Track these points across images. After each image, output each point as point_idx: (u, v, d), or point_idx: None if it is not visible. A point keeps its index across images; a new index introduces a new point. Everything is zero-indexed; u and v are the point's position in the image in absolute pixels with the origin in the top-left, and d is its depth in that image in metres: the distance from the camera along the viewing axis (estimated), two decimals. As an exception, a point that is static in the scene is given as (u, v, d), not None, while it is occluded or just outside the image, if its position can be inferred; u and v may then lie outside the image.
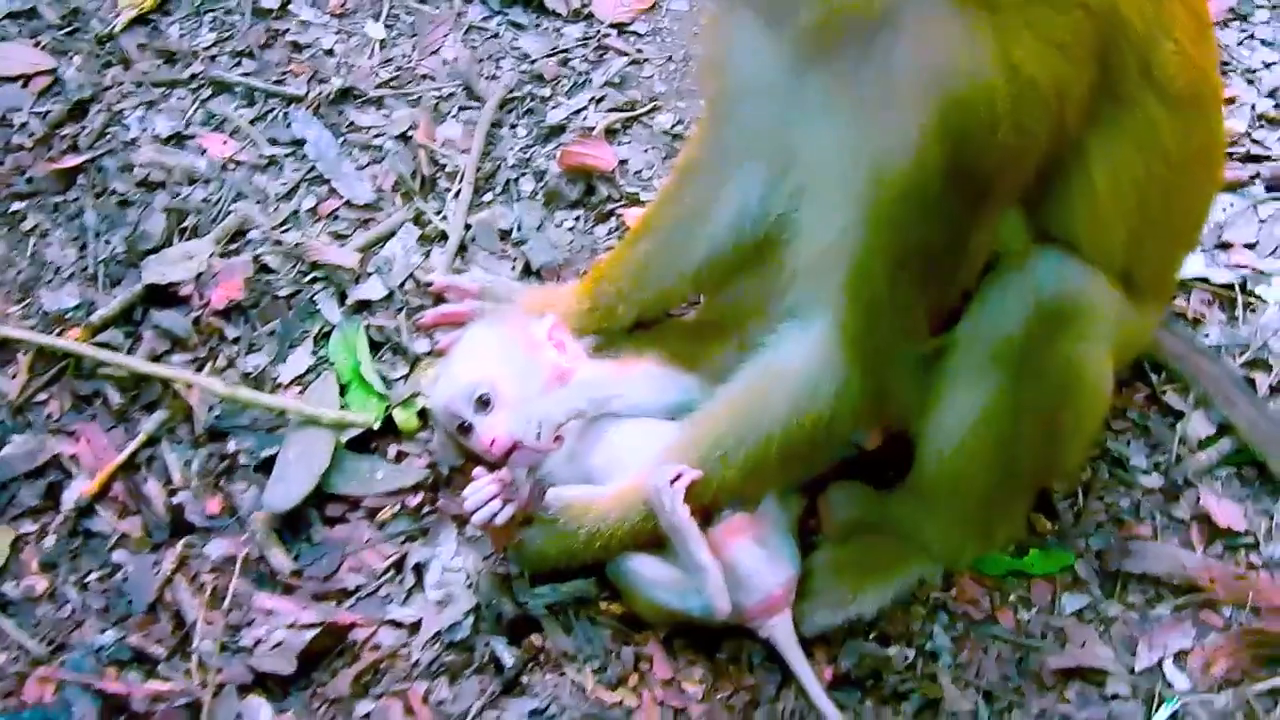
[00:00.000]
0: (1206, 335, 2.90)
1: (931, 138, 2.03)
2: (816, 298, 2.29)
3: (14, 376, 2.81)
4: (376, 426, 2.70)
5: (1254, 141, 3.26)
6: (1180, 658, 2.47)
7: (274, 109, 3.30)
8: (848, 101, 2.11)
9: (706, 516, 2.39)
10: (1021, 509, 2.55)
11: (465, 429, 2.55)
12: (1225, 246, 3.06)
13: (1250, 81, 3.41)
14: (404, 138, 3.24)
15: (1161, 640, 2.49)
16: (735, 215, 2.58)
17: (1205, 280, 2.99)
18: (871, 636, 2.47)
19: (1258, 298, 2.97)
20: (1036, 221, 2.27)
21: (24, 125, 3.24)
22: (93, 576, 2.56)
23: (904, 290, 2.21)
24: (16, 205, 3.11)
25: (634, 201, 3.11)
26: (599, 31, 3.51)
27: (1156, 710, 2.40)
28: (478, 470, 2.45)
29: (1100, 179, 2.22)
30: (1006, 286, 2.26)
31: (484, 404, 2.53)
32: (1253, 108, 3.33)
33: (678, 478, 2.35)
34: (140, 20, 3.48)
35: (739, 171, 2.54)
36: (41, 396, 2.80)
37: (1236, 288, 2.98)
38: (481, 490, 2.40)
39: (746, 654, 2.44)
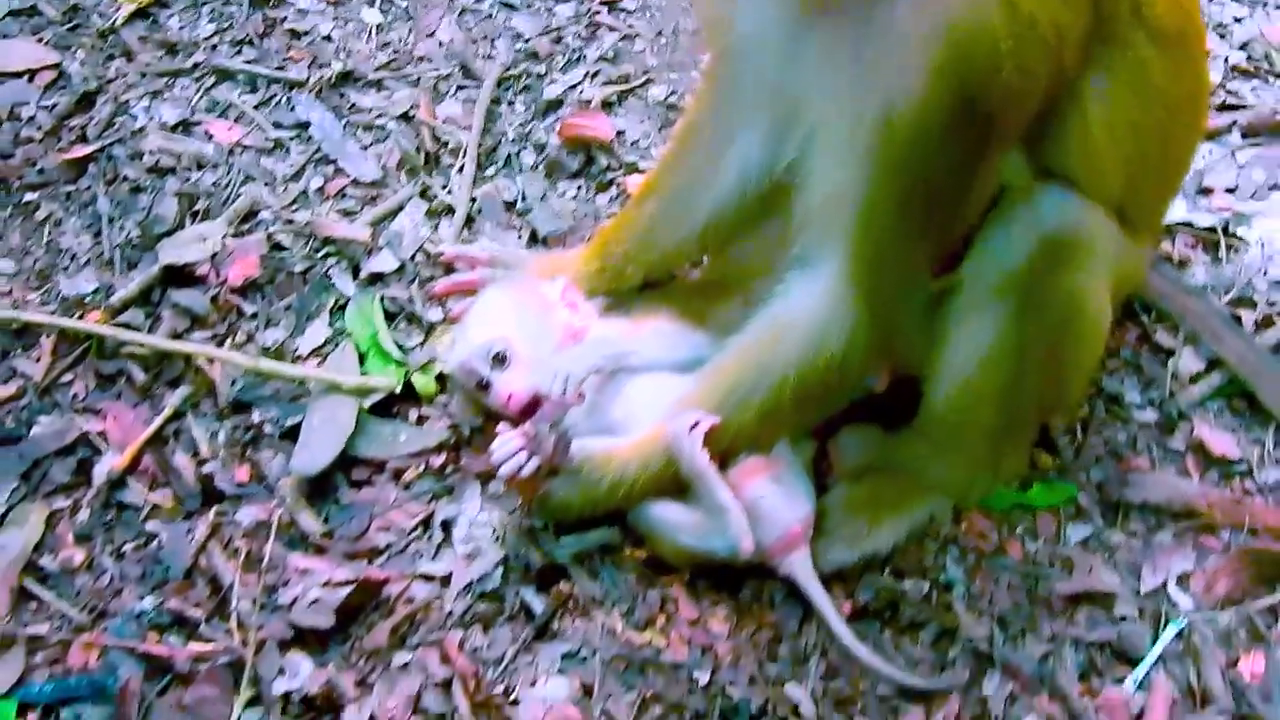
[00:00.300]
0: (1193, 276, 2.99)
1: (937, 82, 2.08)
2: (824, 244, 2.34)
3: (38, 360, 2.85)
4: (398, 391, 2.76)
5: (1229, 92, 3.36)
6: (1183, 580, 2.55)
7: (277, 94, 3.36)
8: (853, 52, 2.16)
9: (723, 461, 2.45)
10: (1025, 443, 2.62)
11: (484, 386, 2.62)
12: (1206, 192, 3.15)
13: (1222, 36, 3.51)
14: (406, 117, 3.30)
15: (1164, 564, 2.56)
16: (739, 172, 2.62)
17: (1189, 224, 3.07)
18: (887, 571, 2.54)
19: (1239, 239, 3.06)
20: (1036, 159, 2.32)
21: (32, 118, 3.29)
22: (128, 546, 2.60)
23: (911, 231, 2.28)
24: (30, 196, 3.15)
25: (633, 170, 3.18)
26: (590, 9, 3.59)
27: (1163, 629, 2.47)
28: (502, 426, 2.50)
29: (1096, 117, 2.28)
30: (1010, 222, 2.31)
31: (501, 361, 2.59)
32: (1226, 60, 3.43)
33: (696, 425, 2.41)
34: (140, 14, 3.53)
35: (742, 129, 2.59)
36: (66, 378, 2.84)
37: (1219, 230, 3.07)
38: (507, 445, 2.46)
39: (768, 592, 2.50)
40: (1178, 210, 3.04)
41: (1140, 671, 2.43)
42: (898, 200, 2.23)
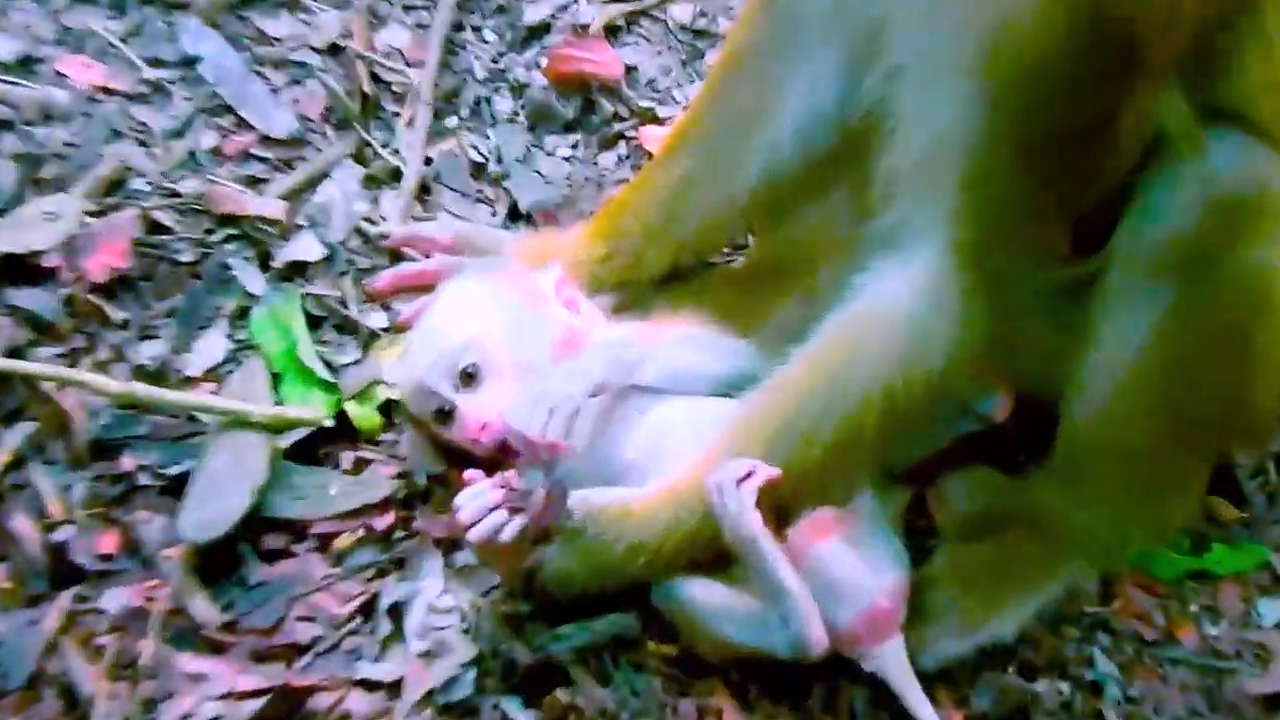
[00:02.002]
0: None
1: None
2: (919, 214, 2.32)
3: None
4: (329, 424, 2.72)
5: None
6: None
7: (153, 20, 3.31)
8: None
9: (782, 517, 2.40)
10: (1198, 482, 2.58)
11: (445, 415, 2.57)
12: None
13: None
14: (333, 50, 3.26)
15: (1390, 653, 2.54)
16: (803, 117, 2.60)
17: None
18: (1012, 667, 2.49)
19: None
20: (1204, 99, 2.30)
21: None
22: (-51, 646, 2.57)
23: (1036, 191, 2.27)
24: None
25: (649, 119, 3.14)
26: (586, -107, 3.56)
27: (1391, 743, 2.45)
28: (471, 472, 2.44)
29: None
30: (1172, 180, 2.30)
31: (470, 379, 2.55)
32: None
33: (747, 475, 2.33)
34: (-36, -83, 3.51)
35: (806, 60, 2.56)
36: None
37: None
38: (480, 498, 2.38)
39: (847, 699, 2.45)
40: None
41: (1362, 801, 2.40)
42: (1017, 149, 2.23)
